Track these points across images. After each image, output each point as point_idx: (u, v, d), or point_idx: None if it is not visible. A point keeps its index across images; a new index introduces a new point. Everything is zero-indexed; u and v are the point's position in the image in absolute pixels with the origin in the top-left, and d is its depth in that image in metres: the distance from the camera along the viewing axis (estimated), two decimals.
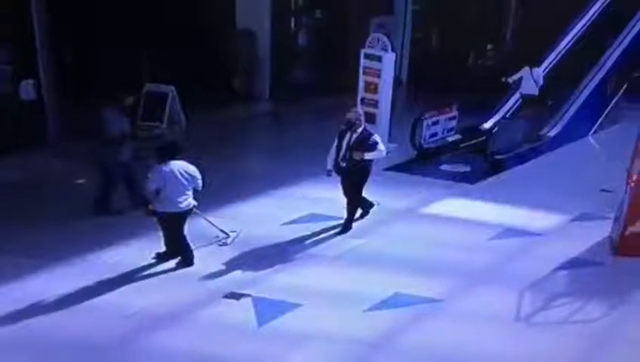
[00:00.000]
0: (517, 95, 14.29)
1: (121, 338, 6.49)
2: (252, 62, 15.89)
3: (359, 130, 8.94)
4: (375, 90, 12.28)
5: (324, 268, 8.20)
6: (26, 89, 11.86)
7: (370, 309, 7.15)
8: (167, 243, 7.95)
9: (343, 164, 8.93)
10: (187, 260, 7.91)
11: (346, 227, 9.15)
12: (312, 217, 9.44)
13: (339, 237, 8.98)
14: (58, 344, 6.39)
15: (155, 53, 14.06)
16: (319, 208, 9.63)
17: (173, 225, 7.77)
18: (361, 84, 12.48)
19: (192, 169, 7.71)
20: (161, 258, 7.97)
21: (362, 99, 12.42)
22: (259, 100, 16.08)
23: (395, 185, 10.93)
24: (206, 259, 8.10)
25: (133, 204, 8.94)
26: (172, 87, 12.31)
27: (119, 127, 9.05)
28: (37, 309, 6.88)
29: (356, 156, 8.78)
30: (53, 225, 8.67)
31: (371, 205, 9.53)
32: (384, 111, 12.37)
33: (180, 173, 7.56)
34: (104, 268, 7.73)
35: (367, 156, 8.91)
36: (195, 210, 7.89)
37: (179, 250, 7.93)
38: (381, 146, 9.00)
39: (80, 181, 10.22)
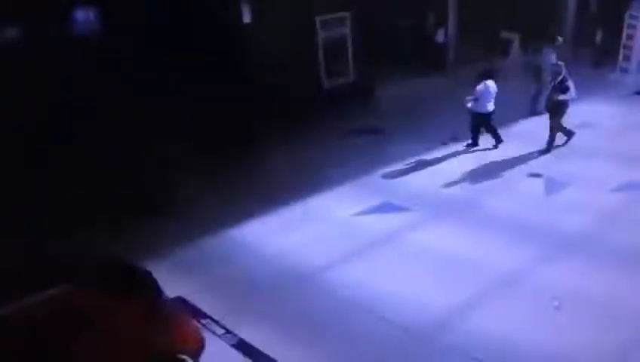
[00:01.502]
0: None
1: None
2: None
3: (559, 78, 13.70)
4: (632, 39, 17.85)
5: (585, 162, 13.37)
6: (440, 34, 19.84)
7: (610, 191, 12.08)
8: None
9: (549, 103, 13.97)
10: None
11: (547, 149, 13.96)
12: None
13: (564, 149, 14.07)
14: None
15: None
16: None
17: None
18: (625, 34, 18.07)
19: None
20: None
21: (624, 45, 18.04)
22: None
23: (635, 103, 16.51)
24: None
25: None
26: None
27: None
28: None
29: (555, 97, 13.79)
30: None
31: (572, 133, 14.30)
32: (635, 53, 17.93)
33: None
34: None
35: (561, 97, 13.74)
36: None
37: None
38: (572, 92, 13.65)
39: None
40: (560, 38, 16.98)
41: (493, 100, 14.34)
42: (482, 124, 14.65)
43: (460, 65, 20.14)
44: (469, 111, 14.51)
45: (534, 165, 13.65)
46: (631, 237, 10.48)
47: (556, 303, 8.78)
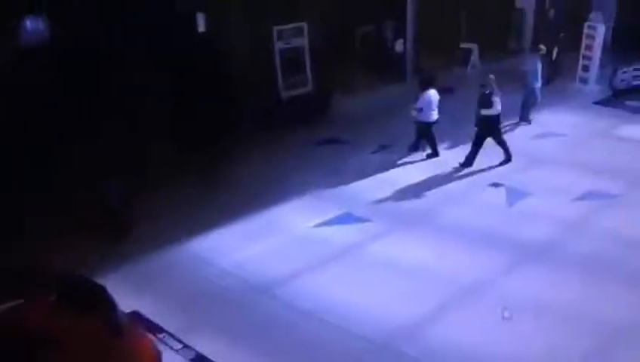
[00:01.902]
0: None
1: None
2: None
3: (487, 91, 13.81)
4: (591, 50, 18.32)
5: (547, 171, 13.71)
6: (399, 44, 20.28)
7: (573, 200, 12.36)
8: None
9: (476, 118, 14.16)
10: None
11: (507, 159, 14.09)
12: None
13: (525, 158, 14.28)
14: None
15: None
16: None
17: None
18: (583, 45, 18.57)
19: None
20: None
21: (583, 56, 18.47)
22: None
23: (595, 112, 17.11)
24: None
25: None
26: None
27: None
28: None
29: (480, 111, 13.90)
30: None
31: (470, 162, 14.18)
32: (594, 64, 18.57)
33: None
34: None
35: (483, 112, 13.88)
36: None
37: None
38: (497, 107, 13.68)
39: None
40: (542, 47, 17.40)
41: (437, 109, 14.62)
42: (425, 133, 14.90)
43: (419, 74, 20.36)
44: (415, 121, 14.84)
45: (496, 175, 13.86)
46: (593, 246, 10.74)
47: (506, 314, 8.92)
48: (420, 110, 14.56)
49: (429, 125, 14.75)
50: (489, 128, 14.17)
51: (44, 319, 6.73)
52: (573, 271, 10.00)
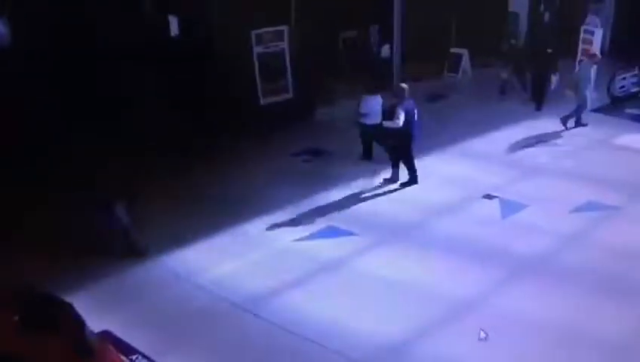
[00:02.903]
0: None
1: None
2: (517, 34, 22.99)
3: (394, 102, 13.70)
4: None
5: (543, 182, 13.89)
6: (385, 49, 20.58)
7: (570, 211, 12.48)
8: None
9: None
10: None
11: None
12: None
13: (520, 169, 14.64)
14: None
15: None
16: None
17: None
18: (580, 50, 18.84)
19: None
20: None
21: (579, 61, 18.72)
22: None
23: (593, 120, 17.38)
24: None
25: None
26: None
27: None
28: None
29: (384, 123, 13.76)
30: None
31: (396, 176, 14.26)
32: None
33: None
34: None
35: (385, 124, 13.75)
36: None
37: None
38: (399, 120, 13.23)
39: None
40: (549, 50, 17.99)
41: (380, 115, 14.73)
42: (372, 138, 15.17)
43: (407, 81, 20.56)
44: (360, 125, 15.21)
45: (490, 186, 13.94)
46: (591, 260, 10.90)
47: (483, 335, 9.00)
48: (366, 115, 14.96)
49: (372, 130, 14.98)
50: (396, 140, 14.00)
51: (6, 340, 6.73)
52: (570, 286, 10.13)
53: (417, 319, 9.47)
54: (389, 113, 13.95)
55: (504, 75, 20.10)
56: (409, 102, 13.74)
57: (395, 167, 14.35)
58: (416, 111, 13.82)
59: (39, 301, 7.73)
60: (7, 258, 10.61)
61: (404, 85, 14.18)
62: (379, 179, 14.42)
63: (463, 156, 15.49)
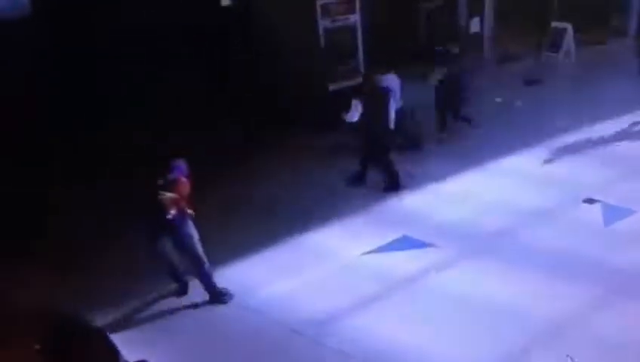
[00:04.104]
0: None
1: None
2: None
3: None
4: None
5: None
6: (474, 23, 20.45)
7: None
8: None
9: None
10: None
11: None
12: None
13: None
14: None
15: None
16: None
17: None
18: None
19: None
20: None
21: None
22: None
23: None
24: None
25: None
26: None
27: None
28: None
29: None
30: None
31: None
32: None
33: None
34: None
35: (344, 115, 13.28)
36: None
37: None
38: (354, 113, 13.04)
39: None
40: None
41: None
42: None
43: (499, 60, 20.15)
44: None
45: (592, 188, 13.44)
46: None
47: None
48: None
49: None
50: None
51: None
52: None
53: (508, 344, 9.13)
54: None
55: None
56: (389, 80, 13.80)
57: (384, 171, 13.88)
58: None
59: (65, 327, 7.60)
60: (32, 274, 10.78)
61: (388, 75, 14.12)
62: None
63: (560, 152, 15.04)
